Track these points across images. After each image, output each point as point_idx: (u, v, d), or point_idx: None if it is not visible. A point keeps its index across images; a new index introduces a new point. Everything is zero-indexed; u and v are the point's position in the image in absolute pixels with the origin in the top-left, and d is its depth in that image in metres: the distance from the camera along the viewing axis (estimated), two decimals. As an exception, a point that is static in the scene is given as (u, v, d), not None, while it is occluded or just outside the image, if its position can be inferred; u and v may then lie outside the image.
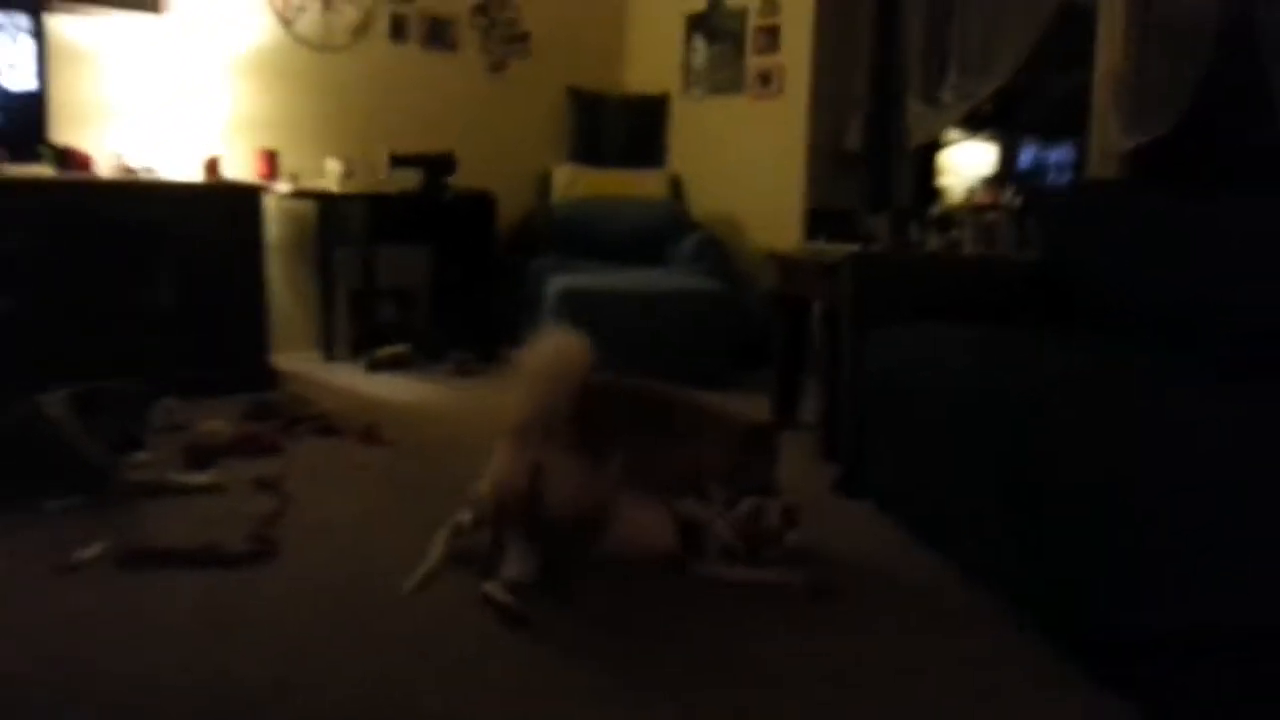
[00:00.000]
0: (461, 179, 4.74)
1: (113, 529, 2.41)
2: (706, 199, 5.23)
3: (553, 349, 2.29)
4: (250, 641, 1.91)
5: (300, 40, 4.59)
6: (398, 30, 4.87)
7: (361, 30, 4.75)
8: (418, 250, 5.00)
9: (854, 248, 3.80)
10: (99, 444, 2.66)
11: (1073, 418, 1.95)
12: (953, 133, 4.81)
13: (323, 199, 4.51)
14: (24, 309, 3.48)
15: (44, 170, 3.65)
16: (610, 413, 2.35)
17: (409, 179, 4.61)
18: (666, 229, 4.96)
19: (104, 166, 3.84)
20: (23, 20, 3.64)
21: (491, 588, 2.09)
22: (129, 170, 3.87)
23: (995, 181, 4.78)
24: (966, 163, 4.93)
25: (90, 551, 2.26)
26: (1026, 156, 4.93)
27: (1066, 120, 4.20)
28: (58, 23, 3.86)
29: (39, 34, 3.68)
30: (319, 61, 4.65)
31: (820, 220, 4.50)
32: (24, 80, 3.66)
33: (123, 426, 2.76)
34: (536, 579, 2.14)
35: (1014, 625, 2.09)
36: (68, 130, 3.85)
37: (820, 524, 2.64)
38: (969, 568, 2.35)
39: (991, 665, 1.94)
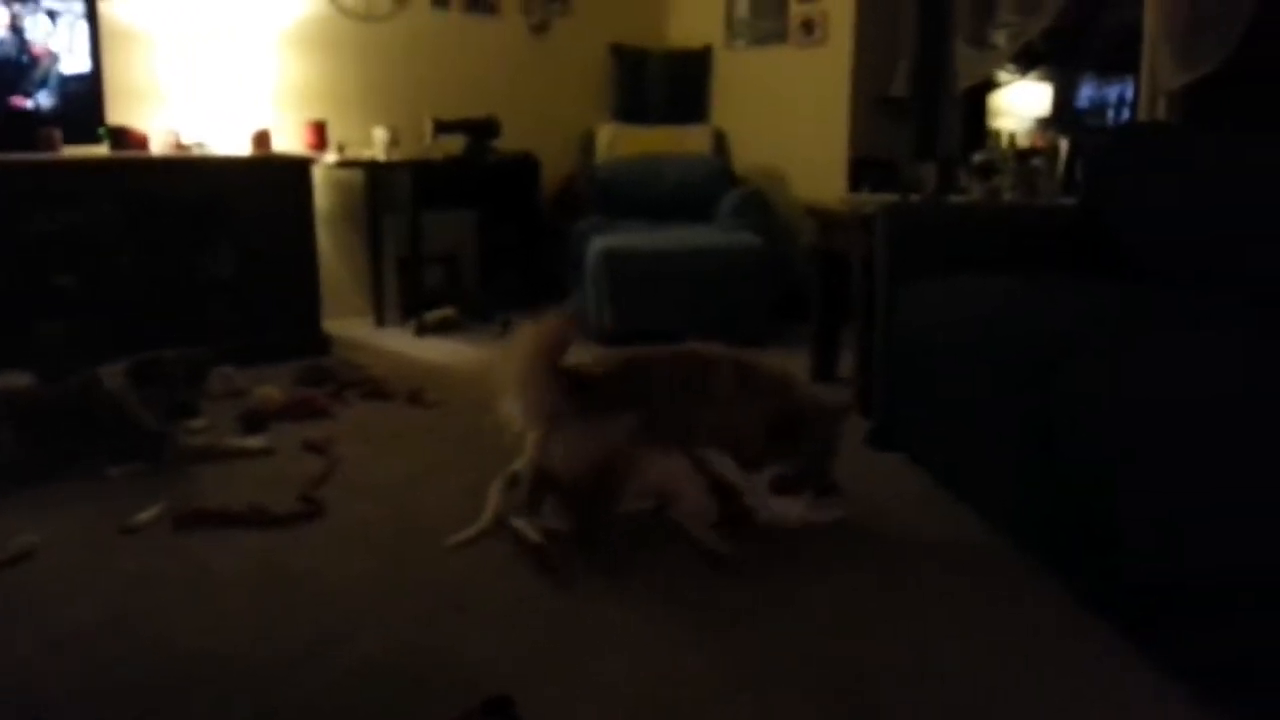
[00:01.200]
0: (506, 142, 4.79)
1: (170, 492, 2.55)
2: (750, 153, 5.20)
3: (529, 335, 2.27)
4: (296, 597, 2.01)
5: (344, 11, 4.65)
6: (439, -4, 4.91)
7: (404, -2, 4.80)
8: (463, 214, 5.07)
9: (895, 198, 3.77)
10: (155, 412, 2.78)
11: (1096, 365, 1.94)
12: (1004, 74, 4.70)
13: (370, 167, 4.60)
14: (86, 285, 3.64)
15: (101, 150, 3.80)
16: (629, 378, 2.34)
17: (453, 144, 4.67)
18: (710, 185, 4.95)
19: (159, 144, 3.96)
20: (77, 5, 3.76)
21: (520, 524, 2.17)
22: (183, 146, 3.99)
23: (1050, 123, 4.68)
24: (1021, 104, 4.81)
25: (149, 514, 2.39)
26: (1085, 95, 4.80)
27: (1124, 56, 4.07)
28: (110, 5, 3.97)
29: (92, 17, 3.80)
30: (363, 31, 4.72)
31: (865, 170, 4.46)
32: (79, 63, 3.79)
33: (178, 395, 2.86)
34: (570, 532, 2.23)
35: (1037, 574, 2.10)
36: (123, 110, 3.98)
37: (853, 475, 2.67)
38: (995, 518, 2.37)
39: (1012, 613, 1.97)
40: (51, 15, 3.71)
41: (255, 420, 3.12)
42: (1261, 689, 1.56)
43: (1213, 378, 1.76)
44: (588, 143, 5.21)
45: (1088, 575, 1.95)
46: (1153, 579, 1.73)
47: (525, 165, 4.85)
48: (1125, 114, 4.38)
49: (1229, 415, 1.64)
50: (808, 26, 4.90)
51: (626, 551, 2.22)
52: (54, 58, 3.73)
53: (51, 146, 3.64)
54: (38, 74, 3.72)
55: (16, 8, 3.63)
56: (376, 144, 4.53)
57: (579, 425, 2.21)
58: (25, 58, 3.69)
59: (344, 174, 4.68)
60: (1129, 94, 4.31)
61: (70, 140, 3.72)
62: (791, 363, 3.81)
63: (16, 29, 3.65)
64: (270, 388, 3.36)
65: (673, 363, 2.42)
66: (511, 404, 2.22)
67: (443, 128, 4.64)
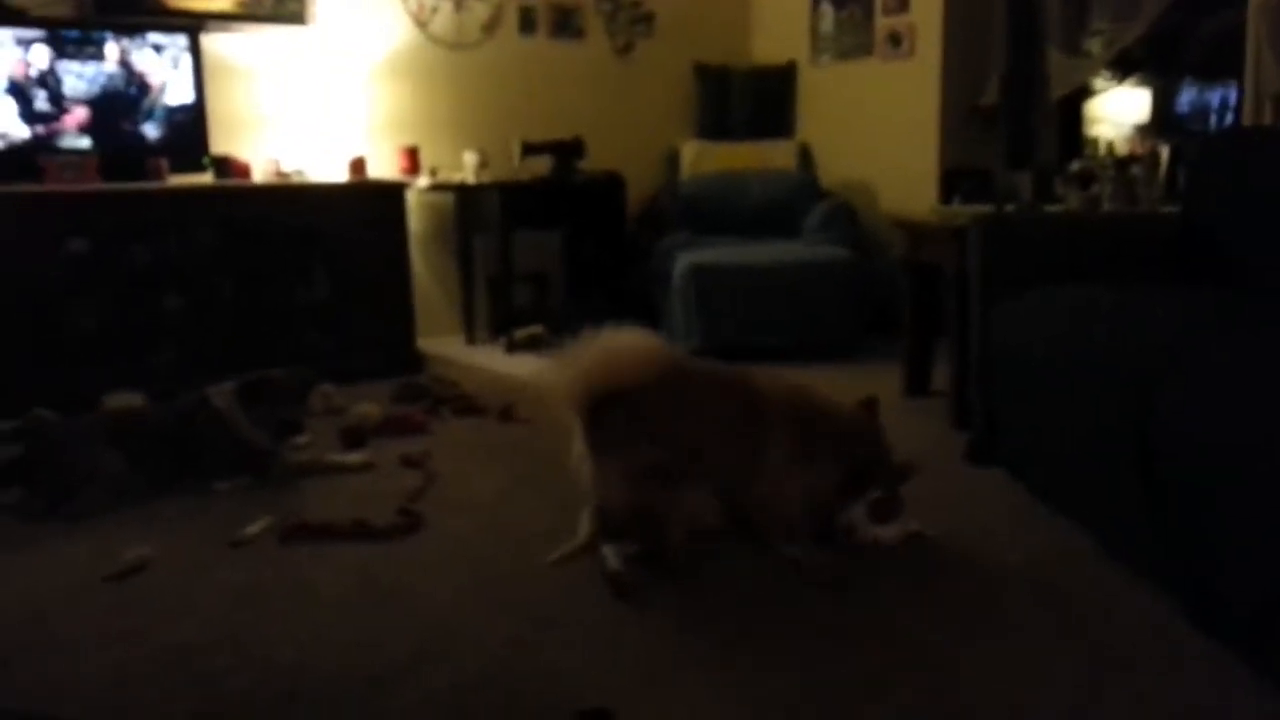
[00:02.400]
0: (592, 162, 4.85)
1: (275, 507, 2.62)
2: (837, 167, 5.16)
3: (592, 355, 2.16)
4: (395, 610, 2.05)
5: (435, 40, 4.78)
6: (526, 23, 5.01)
7: (492, 26, 4.91)
8: (551, 234, 5.14)
9: (988, 209, 3.70)
10: (262, 431, 2.87)
11: (1197, 380, 1.87)
12: (1100, 81, 4.59)
13: (460, 190, 4.70)
14: (193, 307, 3.79)
15: (205, 179, 3.96)
16: (675, 404, 2.16)
17: (540, 166, 4.76)
18: (796, 200, 4.93)
19: (260, 172, 4.12)
20: (181, 40, 3.94)
21: (606, 551, 2.17)
22: (283, 174, 4.14)
23: (1150, 129, 4.54)
24: (1120, 111, 4.69)
25: (254, 528, 2.46)
26: (1186, 100, 4.65)
27: (1226, 60, 3.94)
28: (213, 40, 4.15)
29: (196, 51, 3.98)
30: (453, 59, 4.84)
31: (957, 181, 4.37)
32: (184, 95, 3.96)
33: (284, 414, 2.94)
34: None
35: (1138, 589, 2.04)
36: (226, 140, 4.16)
37: (950, 491, 2.62)
38: (1096, 533, 2.30)
39: (1114, 628, 1.90)
40: (157, 49, 3.90)
41: (355, 436, 3.20)
42: None
43: None
44: (672, 160, 5.24)
45: (1191, 591, 1.88)
46: (1257, 597, 1.66)
47: (611, 184, 4.90)
48: (1229, 119, 4.24)
49: None
50: (895, 39, 4.86)
51: (718, 569, 2.20)
52: (161, 89, 3.91)
53: (158, 176, 3.82)
54: (145, 105, 3.90)
55: (125, 42, 3.82)
56: (467, 167, 4.63)
57: (611, 462, 2.12)
58: (134, 89, 3.88)
59: (436, 197, 4.79)
60: (1232, 98, 4.17)
61: (176, 169, 3.90)
62: (882, 375, 3.78)
63: (125, 63, 3.84)
64: (368, 405, 3.44)
65: (723, 401, 2.22)
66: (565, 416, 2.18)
67: (530, 150, 4.72)
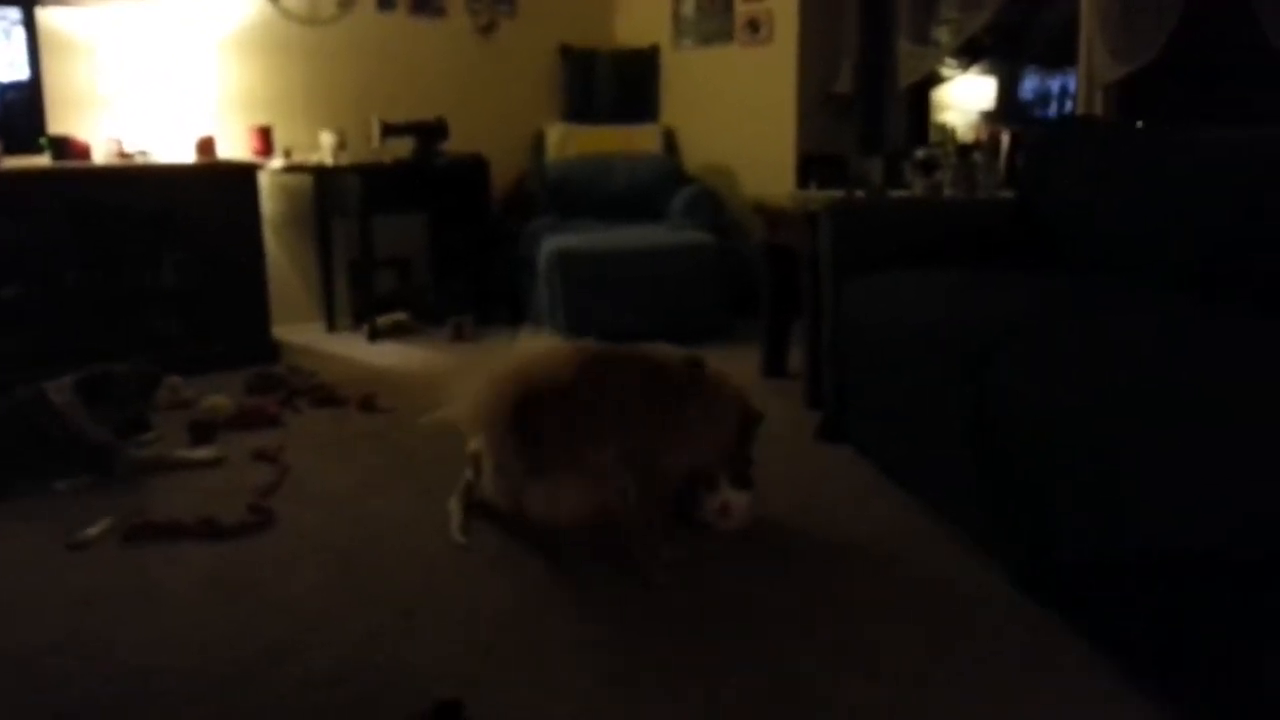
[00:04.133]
0: (455, 144, 4.78)
1: (118, 506, 2.52)
2: (700, 151, 5.24)
3: (505, 376, 2.10)
4: (246, 609, 2.01)
5: (288, 15, 4.62)
6: (384, -1, 4.89)
7: (348, 2, 4.77)
8: (414, 218, 5.05)
9: (841, 194, 3.82)
10: (106, 428, 2.76)
11: (1023, 357, 2.00)
12: (948, 69, 4.77)
13: (317, 172, 4.57)
14: (30, 296, 3.60)
15: (43, 160, 3.75)
16: (598, 391, 2.14)
17: (402, 147, 4.66)
18: (660, 184, 4.98)
19: (101, 153, 3.92)
20: (13, 13, 3.70)
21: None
22: (125, 155, 3.95)
23: (995, 115, 4.76)
24: (967, 98, 4.89)
25: (96, 529, 2.38)
26: (1029, 87, 4.88)
27: (1066, 48, 4.15)
28: (49, 14, 3.92)
29: (30, 26, 3.75)
30: (308, 35, 4.68)
31: (813, 166, 4.51)
32: (18, 72, 3.73)
33: (128, 411, 2.84)
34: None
35: (974, 558, 2.16)
36: (64, 119, 3.93)
37: (800, 468, 2.71)
38: (935, 505, 2.43)
39: (947, 594, 2.02)
40: (-13, 23, 3.66)
41: (203, 430, 3.10)
42: (1185, 663, 1.61)
43: (1132, 365, 1.81)
44: (538, 143, 5.22)
45: (1019, 559, 2.02)
46: (1082, 559, 1.78)
47: (475, 167, 4.84)
48: (1069, 105, 4.47)
49: (1149, 399, 1.68)
50: (753, 25, 4.95)
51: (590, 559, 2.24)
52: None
53: (-10, 157, 3.60)
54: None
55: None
56: (324, 148, 4.51)
57: (561, 476, 2.07)
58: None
59: (291, 179, 4.65)
60: (1071, 86, 4.40)
61: (11, 150, 3.68)
62: (743, 356, 3.88)
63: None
64: (218, 397, 3.34)
65: (642, 378, 2.21)
66: (477, 438, 2.11)
67: (391, 130, 4.62)
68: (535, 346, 2.20)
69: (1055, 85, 4.72)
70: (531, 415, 2.05)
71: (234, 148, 4.37)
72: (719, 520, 2.32)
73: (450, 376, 2.25)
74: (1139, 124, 3.92)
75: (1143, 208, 2.71)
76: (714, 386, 2.29)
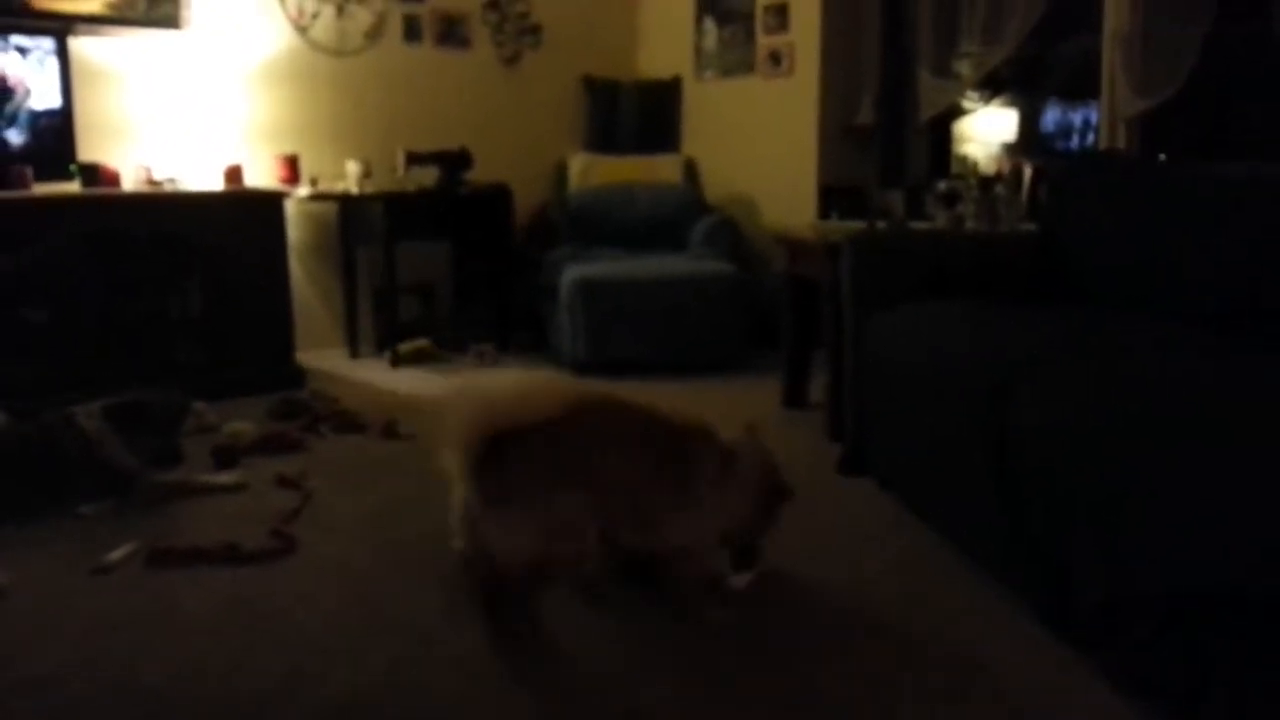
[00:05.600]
0: (479, 173, 4.84)
1: (142, 531, 2.54)
2: (721, 181, 5.27)
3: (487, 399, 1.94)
4: (267, 635, 2.02)
5: (316, 46, 4.69)
6: (411, 31, 4.96)
7: (375, 33, 4.85)
8: (437, 246, 5.10)
9: (862, 226, 3.83)
10: (137, 458, 2.78)
11: (1044, 393, 1.99)
12: (969, 101, 4.79)
13: (343, 200, 4.63)
14: (58, 320, 3.64)
15: (72, 187, 3.81)
16: (584, 439, 1.93)
17: (426, 176, 4.72)
18: (681, 213, 5.01)
19: (130, 180, 3.98)
20: (46, 43, 3.78)
21: None
22: (154, 183, 4.01)
23: (1017, 147, 4.77)
24: (989, 130, 4.91)
25: (120, 553, 2.39)
26: (1051, 119, 4.89)
27: (1087, 81, 4.16)
28: (81, 44, 4.00)
29: (63, 54, 3.82)
30: (335, 66, 4.76)
31: (834, 198, 4.54)
32: (50, 101, 3.81)
33: (161, 442, 2.87)
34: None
35: (996, 594, 2.15)
36: (95, 147, 4.00)
37: (821, 502, 2.70)
38: (958, 539, 2.42)
39: (970, 631, 2.00)
40: (22, 51, 3.73)
41: (227, 456, 3.12)
42: (1209, 704, 1.59)
43: (1148, 402, 1.80)
44: (560, 173, 5.27)
45: (1044, 595, 1.99)
46: (1102, 598, 1.77)
47: (498, 196, 4.89)
48: (1090, 138, 4.48)
49: (1163, 438, 1.68)
50: (775, 58, 4.99)
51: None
52: (25, 94, 3.75)
53: (22, 184, 3.65)
54: (8, 110, 3.73)
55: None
56: (349, 177, 4.57)
57: (515, 513, 1.87)
58: (-2, 90, 3.70)
59: (317, 207, 4.71)
60: (1094, 118, 4.41)
61: (41, 177, 3.74)
62: (763, 386, 3.88)
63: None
64: (242, 423, 3.37)
65: (641, 430, 1.99)
66: (451, 461, 1.93)
67: (415, 160, 4.68)
68: (530, 378, 2.08)
69: (1077, 118, 4.73)
70: (505, 443, 1.87)
71: (261, 176, 4.43)
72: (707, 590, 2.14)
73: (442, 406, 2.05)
74: (1161, 158, 3.95)
75: (1164, 243, 2.71)
76: (732, 454, 2.06)
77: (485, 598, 1.97)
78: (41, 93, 3.79)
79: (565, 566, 1.95)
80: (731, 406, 3.80)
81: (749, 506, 2.07)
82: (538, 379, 2.09)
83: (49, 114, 3.81)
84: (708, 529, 2.03)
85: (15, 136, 3.76)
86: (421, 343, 4.76)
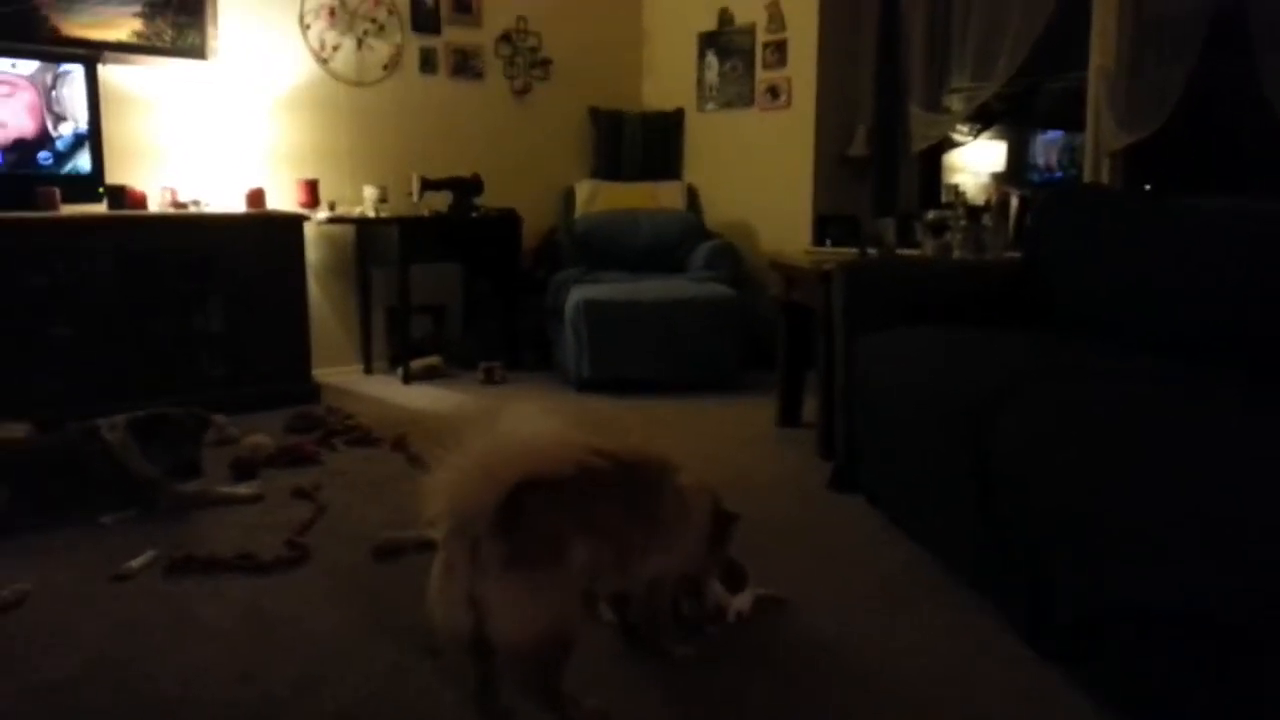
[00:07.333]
0: (489, 199, 5.02)
1: (161, 540, 2.64)
2: (721, 208, 5.44)
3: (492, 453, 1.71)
4: (280, 641, 2.09)
5: (336, 77, 4.88)
6: (427, 63, 5.15)
7: (393, 65, 5.04)
8: (449, 267, 5.29)
9: (854, 253, 3.98)
10: (158, 470, 2.88)
11: (1028, 413, 2.08)
12: (960, 134, 4.94)
13: (360, 223, 4.81)
14: (84, 337, 3.78)
15: (100, 209, 3.97)
16: (576, 501, 1.73)
17: (439, 201, 4.91)
18: (683, 238, 5.18)
19: (156, 202, 4.15)
20: (77, 69, 3.95)
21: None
22: (179, 204, 4.18)
23: (1006, 178, 4.91)
24: (979, 160, 5.05)
25: (140, 561, 2.48)
26: (1039, 150, 5.04)
27: (1073, 113, 4.29)
28: (110, 71, 4.17)
29: (92, 80, 3.98)
30: (354, 96, 4.94)
31: (828, 226, 4.68)
32: (80, 125, 3.97)
33: (181, 454, 2.95)
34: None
35: (979, 609, 2.23)
36: (123, 170, 4.17)
37: (812, 517, 2.82)
38: (943, 555, 2.51)
39: (953, 645, 2.08)
40: (56, 78, 3.90)
41: (246, 467, 3.26)
42: (1184, 717, 1.64)
43: (1124, 425, 1.88)
44: (567, 198, 5.44)
45: (1021, 609, 2.08)
46: (1080, 614, 1.84)
47: (508, 220, 5.07)
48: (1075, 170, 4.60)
49: (1134, 463, 1.75)
50: (773, 92, 5.17)
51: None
52: (57, 119, 3.92)
53: (51, 206, 3.79)
54: (62, 137, 3.89)
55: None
56: (366, 201, 4.74)
57: (523, 578, 1.64)
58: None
59: (335, 229, 4.88)
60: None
61: (70, 199, 3.88)
62: (759, 405, 4.00)
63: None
64: (261, 435, 3.50)
65: (620, 474, 1.81)
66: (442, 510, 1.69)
67: (429, 185, 4.85)
68: (526, 430, 1.81)
69: (1068, 149, 4.85)
70: (524, 497, 1.65)
71: (282, 199, 4.61)
72: (715, 620, 2.18)
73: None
74: (1146, 189, 4.07)
75: (1140, 273, 2.78)
76: (684, 486, 1.97)
77: (482, 680, 1.77)
78: (71, 117, 3.95)
79: (567, 641, 1.72)
80: (728, 425, 3.94)
81: (705, 534, 2.02)
82: (526, 427, 1.82)
83: (78, 138, 3.97)
84: (675, 561, 1.97)
85: (80, 163, 3.93)
86: (432, 360, 4.94)
